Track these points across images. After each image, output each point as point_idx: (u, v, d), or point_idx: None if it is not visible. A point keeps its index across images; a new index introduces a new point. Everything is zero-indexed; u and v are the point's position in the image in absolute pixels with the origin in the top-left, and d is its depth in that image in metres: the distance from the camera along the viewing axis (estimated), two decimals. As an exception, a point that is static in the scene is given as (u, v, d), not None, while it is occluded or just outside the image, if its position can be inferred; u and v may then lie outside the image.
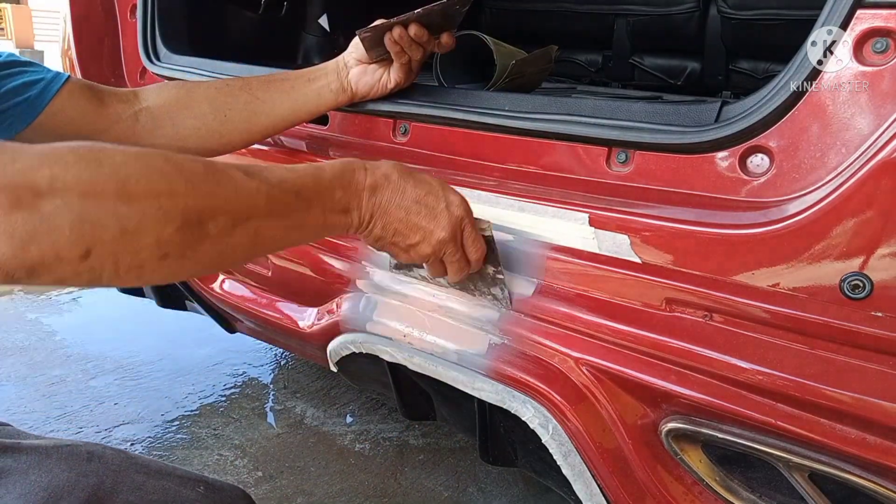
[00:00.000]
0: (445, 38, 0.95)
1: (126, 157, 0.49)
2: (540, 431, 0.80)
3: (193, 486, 0.70)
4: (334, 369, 1.05)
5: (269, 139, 1.14)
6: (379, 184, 0.68)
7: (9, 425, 0.74)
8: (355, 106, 1.04)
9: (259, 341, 1.98)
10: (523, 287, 0.81)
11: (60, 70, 0.92)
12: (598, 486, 0.79)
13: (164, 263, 0.50)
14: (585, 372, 0.76)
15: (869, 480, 0.64)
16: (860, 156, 0.61)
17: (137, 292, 1.51)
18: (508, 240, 0.83)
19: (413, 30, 0.92)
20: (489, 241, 0.77)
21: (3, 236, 0.42)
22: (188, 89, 0.96)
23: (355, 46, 0.99)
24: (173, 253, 0.50)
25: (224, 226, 0.53)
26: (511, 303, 0.82)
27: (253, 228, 0.56)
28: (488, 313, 0.84)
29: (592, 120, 0.81)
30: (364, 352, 0.96)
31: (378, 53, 0.97)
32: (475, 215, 0.75)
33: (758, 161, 0.70)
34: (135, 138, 0.91)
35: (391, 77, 0.99)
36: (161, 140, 0.93)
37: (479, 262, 0.77)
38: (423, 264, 0.76)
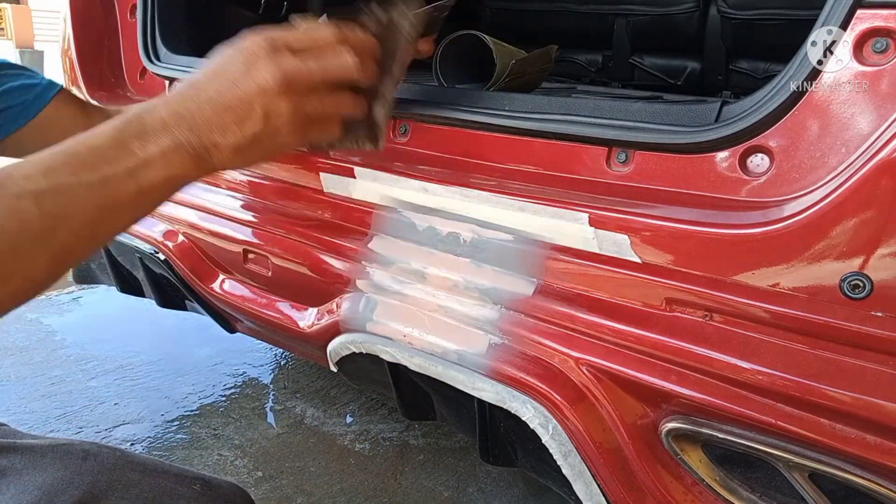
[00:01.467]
0: (424, 46, 0.90)
1: None
2: (540, 431, 0.80)
3: (190, 483, 0.70)
4: (334, 369, 1.05)
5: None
6: (173, 101, 0.56)
7: (5, 425, 0.74)
8: (355, 106, 1.04)
9: (259, 341, 1.98)
10: (523, 287, 0.81)
11: (52, 79, 0.93)
12: (598, 486, 0.79)
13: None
14: (585, 372, 0.76)
15: (869, 480, 0.64)
16: (860, 156, 0.61)
17: (137, 292, 1.51)
18: (508, 239, 0.83)
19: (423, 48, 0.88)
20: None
21: None
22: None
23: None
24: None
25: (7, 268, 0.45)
26: (380, 142, 0.71)
27: (54, 238, 0.47)
28: (488, 313, 0.84)
29: (592, 120, 0.81)
30: (364, 352, 0.96)
31: None
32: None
33: (758, 161, 0.70)
34: None
35: None
36: None
37: (368, 68, 0.62)
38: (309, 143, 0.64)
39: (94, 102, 0.95)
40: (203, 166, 0.56)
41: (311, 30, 0.63)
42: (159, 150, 0.52)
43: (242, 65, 0.57)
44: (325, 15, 0.75)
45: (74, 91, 1.51)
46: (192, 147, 0.54)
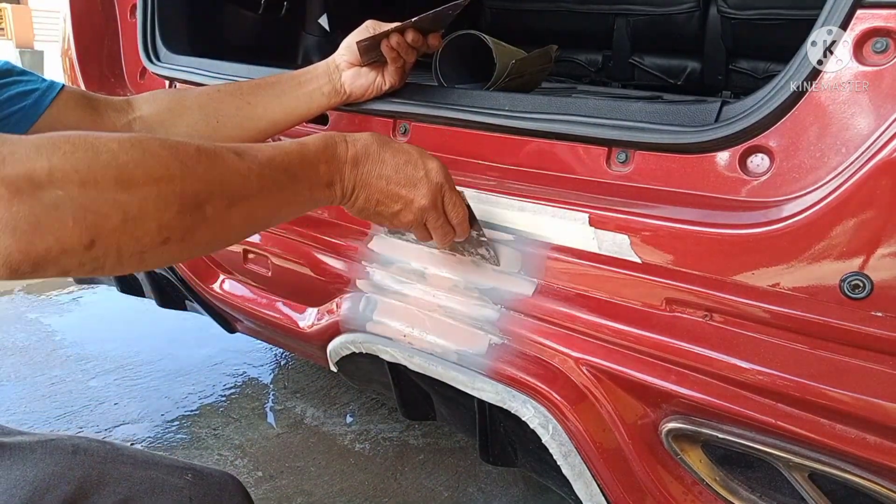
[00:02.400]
0: (433, 40, 0.98)
1: (122, 144, 0.48)
2: (540, 431, 0.80)
3: (181, 473, 0.70)
4: (334, 369, 1.05)
5: (270, 139, 1.14)
6: (360, 156, 0.70)
7: None
8: (355, 106, 1.04)
9: (259, 341, 1.98)
10: (523, 287, 0.81)
11: (55, 79, 0.92)
12: (598, 485, 0.79)
13: (165, 248, 0.50)
14: (585, 372, 0.76)
15: (869, 480, 0.64)
16: (860, 156, 0.61)
17: (137, 292, 1.51)
18: (508, 239, 0.83)
19: (410, 36, 0.94)
20: (468, 207, 0.79)
21: (7, 230, 0.42)
22: (179, 97, 0.96)
23: (347, 49, 1.00)
24: (174, 237, 0.51)
25: (220, 207, 0.54)
26: (499, 261, 0.84)
27: (247, 208, 0.57)
28: (488, 313, 0.84)
29: (592, 120, 0.81)
30: (364, 352, 0.96)
31: (371, 57, 0.98)
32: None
33: (758, 161, 0.70)
34: None
35: (385, 79, 1.00)
36: None
37: (461, 225, 0.78)
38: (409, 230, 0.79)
39: (100, 95, 0.94)
40: (339, 203, 0.71)
41: (462, 197, 0.78)
42: (329, 180, 0.68)
43: (418, 179, 0.73)
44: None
45: (74, 91, 1.51)
46: (345, 191, 0.70)
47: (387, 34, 0.94)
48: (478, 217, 0.79)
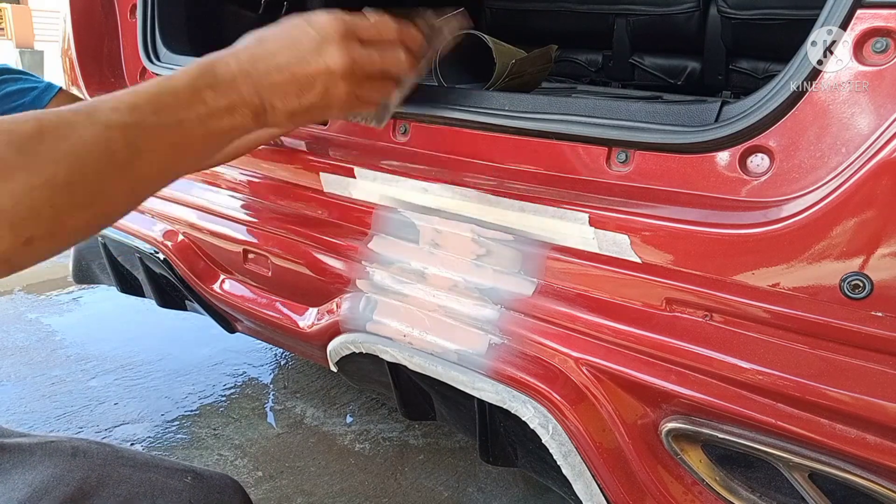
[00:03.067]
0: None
1: None
2: (540, 431, 0.80)
3: (181, 476, 0.70)
4: (334, 369, 1.05)
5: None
6: (244, 62, 0.59)
7: None
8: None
9: (259, 341, 1.98)
10: (523, 287, 0.81)
11: (51, 81, 0.92)
12: (598, 485, 0.79)
13: (30, 249, 0.45)
14: (585, 372, 0.76)
15: (869, 480, 0.64)
16: (860, 156, 0.61)
17: (137, 292, 1.51)
18: (508, 239, 0.83)
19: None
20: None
21: None
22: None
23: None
24: (41, 236, 0.45)
25: (90, 185, 0.47)
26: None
27: (131, 172, 0.50)
28: (488, 313, 0.84)
29: (592, 120, 0.81)
30: (364, 352, 0.96)
31: None
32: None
33: (758, 161, 0.70)
34: None
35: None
36: None
37: (400, 65, 0.68)
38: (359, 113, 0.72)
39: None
40: (259, 122, 0.61)
41: (380, 24, 0.68)
42: (226, 104, 0.57)
43: (315, 42, 0.62)
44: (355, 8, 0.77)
45: (74, 91, 1.51)
46: (254, 105, 0.59)
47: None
48: (478, 216, 0.78)
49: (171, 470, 0.70)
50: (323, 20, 0.63)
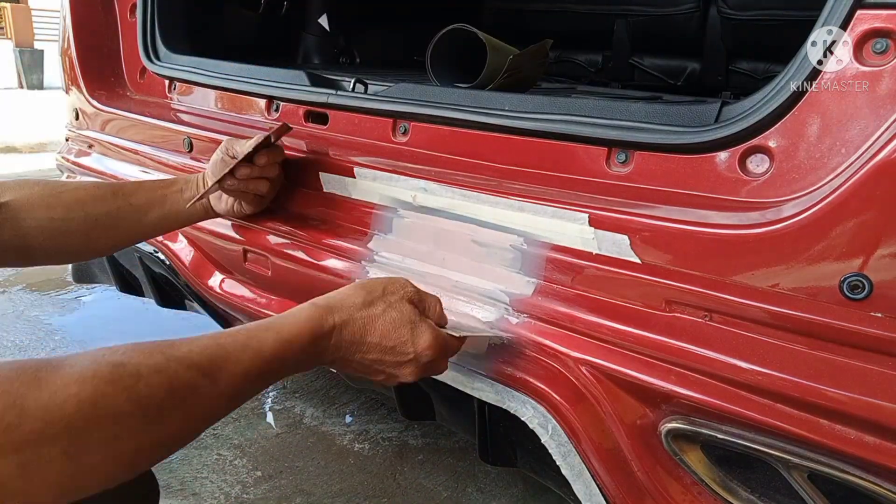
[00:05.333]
0: (259, 160, 0.96)
1: (80, 407, 0.43)
2: (539, 431, 0.80)
3: None
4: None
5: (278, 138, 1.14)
6: (344, 345, 0.66)
7: None
8: (355, 106, 1.05)
9: (259, 341, 1.97)
10: (523, 287, 0.81)
11: None
12: (598, 486, 0.79)
13: (110, 483, 0.47)
14: (585, 372, 0.76)
15: (868, 481, 0.64)
16: (860, 156, 0.61)
17: (137, 292, 1.51)
18: (508, 240, 0.83)
19: (240, 171, 0.94)
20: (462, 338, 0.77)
21: None
22: (56, 190, 0.92)
23: (211, 167, 1.00)
24: (119, 477, 0.47)
25: (177, 439, 0.51)
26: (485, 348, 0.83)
27: (208, 424, 0.55)
28: (488, 313, 0.84)
29: (592, 120, 0.81)
30: (363, 351, 0.96)
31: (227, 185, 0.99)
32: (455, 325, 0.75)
33: (757, 161, 0.70)
34: None
35: (244, 206, 1.03)
36: (23, 233, 0.87)
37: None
38: None
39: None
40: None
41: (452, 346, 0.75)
42: (305, 369, 0.65)
43: (410, 355, 0.69)
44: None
45: (74, 91, 1.51)
46: (323, 363, 0.67)
47: (221, 181, 0.95)
48: (478, 216, 0.78)
49: None
50: (425, 344, 0.69)
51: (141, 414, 0.46)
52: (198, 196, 0.97)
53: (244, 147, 0.96)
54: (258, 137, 0.95)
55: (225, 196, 1.03)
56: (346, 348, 0.66)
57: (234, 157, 0.97)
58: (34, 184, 0.91)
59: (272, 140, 0.97)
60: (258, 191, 0.99)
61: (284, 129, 0.98)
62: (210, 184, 0.98)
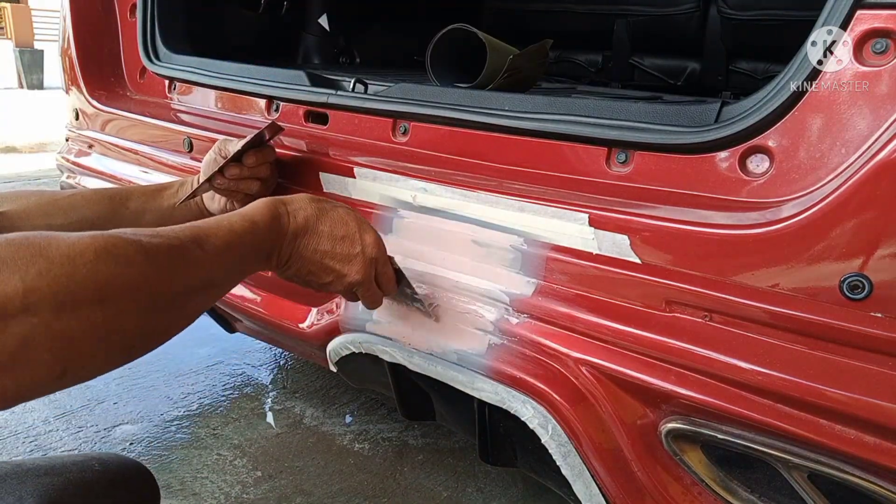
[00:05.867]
0: (248, 159, 0.97)
1: (98, 254, 0.45)
2: (539, 432, 0.80)
3: (90, 467, 0.71)
4: (334, 369, 1.05)
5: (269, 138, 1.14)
6: (299, 229, 0.71)
7: None
8: (356, 106, 1.05)
9: (258, 341, 1.98)
10: (523, 287, 0.81)
11: None
12: (598, 486, 0.79)
13: (127, 355, 0.49)
14: (585, 372, 0.76)
15: (868, 481, 0.64)
16: (860, 156, 0.61)
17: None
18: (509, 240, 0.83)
19: (230, 171, 0.95)
20: (398, 271, 0.82)
21: None
22: (53, 198, 0.93)
23: (204, 167, 1.01)
24: (138, 344, 0.50)
25: (183, 303, 0.55)
26: (437, 316, 0.87)
27: (205, 295, 0.59)
28: (488, 313, 0.84)
29: (592, 120, 0.81)
30: (364, 352, 0.96)
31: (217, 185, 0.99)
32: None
33: (757, 161, 0.70)
34: None
35: (235, 206, 1.02)
36: None
37: (389, 288, 0.81)
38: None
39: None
40: (269, 268, 0.72)
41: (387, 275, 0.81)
42: (267, 265, 0.70)
43: (359, 244, 0.74)
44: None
45: (74, 91, 1.51)
46: (280, 262, 0.71)
47: (209, 180, 0.96)
48: (478, 216, 0.80)
49: (79, 465, 0.70)
50: (371, 240, 0.75)
51: (151, 264, 0.49)
52: (187, 195, 0.98)
53: (235, 146, 0.96)
54: (248, 137, 0.95)
55: (218, 197, 1.03)
56: (301, 234, 0.71)
57: (225, 157, 0.97)
58: (30, 194, 0.92)
59: (264, 140, 0.97)
60: (249, 190, 0.99)
61: (276, 129, 0.98)
62: (201, 183, 0.98)
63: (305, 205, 0.72)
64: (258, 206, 0.69)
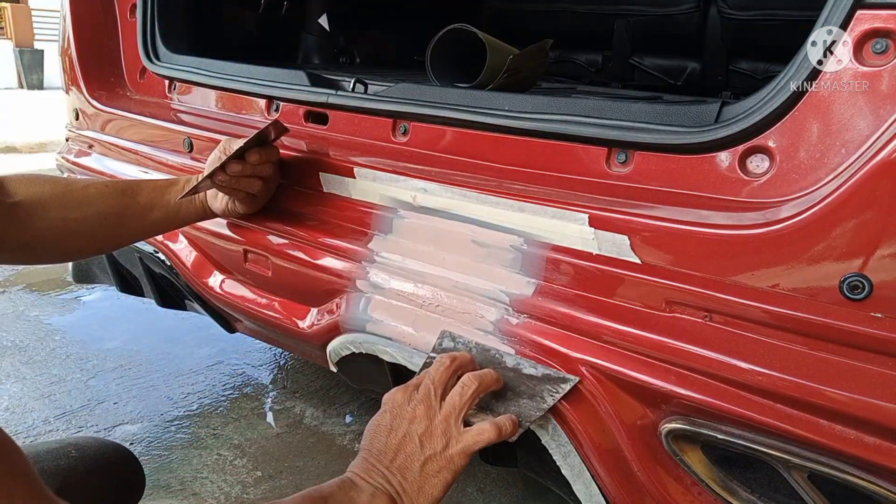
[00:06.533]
0: (251, 157, 0.96)
1: None
2: (539, 432, 0.80)
3: (66, 454, 0.69)
4: (334, 369, 1.05)
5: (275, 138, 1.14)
6: (395, 473, 0.71)
7: None
8: (355, 106, 1.04)
9: (258, 341, 1.98)
10: (523, 287, 0.81)
11: None
12: (598, 486, 0.79)
13: None
14: (585, 372, 0.76)
15: (868, 481, 0.64)
16: (860, 156, 0.61)
17: (137, 292, 1.51)
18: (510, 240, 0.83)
19: (232, 167, 0.94)
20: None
21: None
22: (68, 188, 0.93)
23: (209, 166, 1.01)
24: None
25: None
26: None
27: None
28: (488, 314, 0.84)
29: (592, 120, 0.81)
30: (364, 352, 0.96)
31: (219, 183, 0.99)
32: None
33: (758, 161, 0.70)
34: (4, 228, 0.87)
35: (238, 206, 1.03)
36: (32, 233, 0.89)
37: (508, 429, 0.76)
38: None
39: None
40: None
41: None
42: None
43: (444, 462, 0.71)
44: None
45: (74, 91, 1.51)
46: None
47: (211, 176, 0.96)
48: (478, 216, 0.78)
49: (54, 452, 0.69)
50: (458, 453, 0.71)
51: None
52: (188, 190, 0.98)
53: (238, 143, 0.96)
54: (253, 136, 0.95)
55: (220, 195, 1.03)
56: (401, 478, 0.71)
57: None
58: (44, 181, 0.91)
59: (269, 138, 0.97)
60: (251, 189, 0.99)
61: (281, 129, 0.98)
62: (202, 178, 0.98)
63: (393, 451, 0.72)
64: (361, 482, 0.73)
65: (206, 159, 1.05)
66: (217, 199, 1.04)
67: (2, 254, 0.88)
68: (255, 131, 0.95)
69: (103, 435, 1.61)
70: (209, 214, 1.06)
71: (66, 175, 1.56)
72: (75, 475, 0.67)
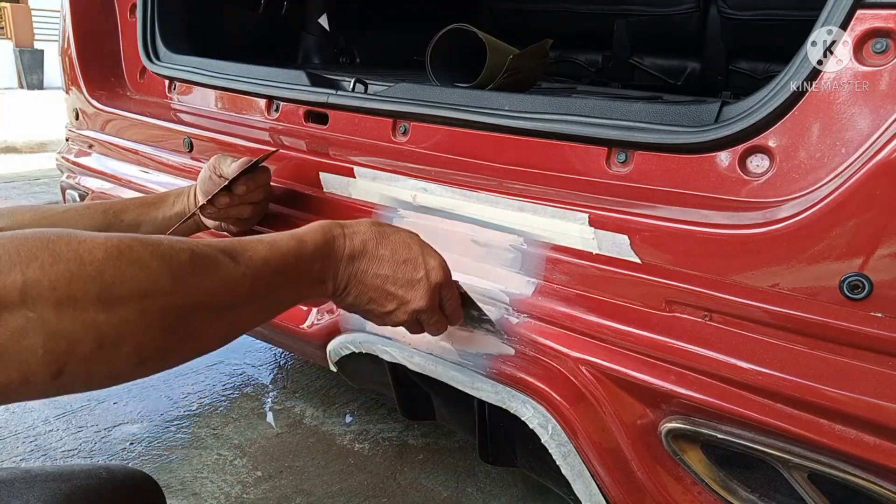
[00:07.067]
0: (238, 188, 0.96)
1: (108, 253, 0.43)
2: (539, 431, 0.80)
3: (97, 475, 0.70)
4: (334, 369, 1.05)
5: (270, 137, 1.14)
6: (356, 252, 0.67)
7: None
8: (356, 105, 1.04)
9: (258, 341, 1.98)
10: (523, 287, 0.81)
11: None
12: (598, 486, 0.79)
13: (140, 369, 0.46)
14: (585, 372, 0.76)
15: (868, 481, 0.64)
16: (860, 156, 0.61)
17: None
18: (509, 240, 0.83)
19: (220, 202, 0.94)
20: (464, 295, 0.78)
21: None
22: (47, 214, 0.92)
23: (200, 183, 1.01)
24: (153, 357, 0.46)
25: (206, 319, 0.50)
26: (501, 330, 0.83)
27: (234, 316, 0.54)
28: (488, 313, 0.84)
29: (592, 120, 0.81)
30: (364, 352, 0.96)
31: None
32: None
33: (758, 161, 0.70)
34: None
35: (230, 226, 1.02)
36: None
37: (455, 315, 0.77)
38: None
39: None
40: (328, 296, 0.67)
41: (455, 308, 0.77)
42: (322, 291, 0.65)
43: (422, 269, 0.70)
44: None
45: (74, 90, 1.51)
46: (339, 289, 0.67)
47: (201, 208, 0.96)
48: (478, 216, 0.79)
49: (87, 472, 0.70)
50: (435, 264, 0.71)
51: (167, 269, 0.46)
52: (179, 223, 0.98)
53: (229, 170, 0.96)
54: (240, 163, 0.95)
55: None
56: (358, 258, 0.67)
57: (220, 176, 0.97)
58: (25, 210, 0.91)
59: (258, 164, 0.97)
60: (240, 215, 1.00)
61: (269, 153, 0.99)
62: (200, 201, 0.99)
63: (364, 228, 0.68)
64: (311, 226, 0.65)
65: (206, 159, 1.05)
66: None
67: None
68: (244, 158, 0.95)
69: (103, 435, 1.61)
70: (202, 229, 1.06)
71: (65, 175, 1.56)
72: (104, 494, 0.69)
